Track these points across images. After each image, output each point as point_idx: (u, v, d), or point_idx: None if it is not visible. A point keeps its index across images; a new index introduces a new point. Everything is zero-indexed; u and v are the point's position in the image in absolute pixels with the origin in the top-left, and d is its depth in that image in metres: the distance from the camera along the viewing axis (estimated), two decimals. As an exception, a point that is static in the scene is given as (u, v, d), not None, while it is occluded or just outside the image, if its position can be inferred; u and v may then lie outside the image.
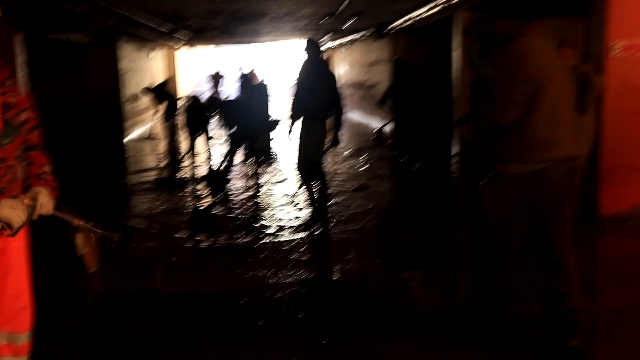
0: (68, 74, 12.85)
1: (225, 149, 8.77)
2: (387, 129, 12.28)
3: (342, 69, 20.84)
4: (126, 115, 13.92)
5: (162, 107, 13.42)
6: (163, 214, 6.66)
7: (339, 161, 9.88)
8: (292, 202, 6.93)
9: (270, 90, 11.74)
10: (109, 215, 6.60)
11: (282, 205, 6.91)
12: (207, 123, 9.07)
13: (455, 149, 9.73)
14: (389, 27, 12.77)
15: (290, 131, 6.18)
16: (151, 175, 9.35)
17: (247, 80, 14.25)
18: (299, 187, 6.19)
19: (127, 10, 8.88)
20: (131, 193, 8.14)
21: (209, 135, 9.19)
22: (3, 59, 2.23)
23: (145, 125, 15.75)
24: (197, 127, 8.90)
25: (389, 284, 4.30)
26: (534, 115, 3.01)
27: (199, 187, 8.26)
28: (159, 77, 19.70)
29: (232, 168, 8.71)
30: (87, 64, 12.93)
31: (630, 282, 4.14)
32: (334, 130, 6.20)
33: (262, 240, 5.54)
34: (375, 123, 13.95)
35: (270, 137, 10.70)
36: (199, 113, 8.84)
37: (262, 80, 11.36)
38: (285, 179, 8.43)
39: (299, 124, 6.05)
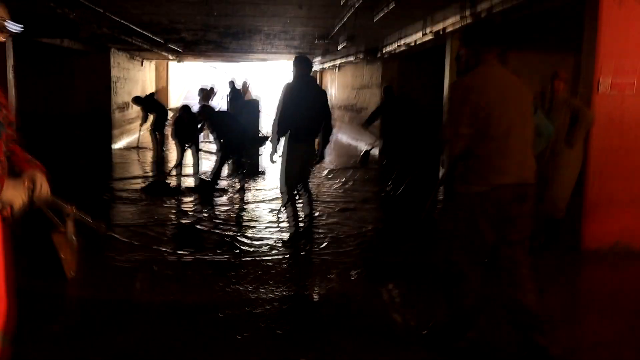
0: (59, 79, 12.81)
1: (213, 161, 8.76)
2: (374, 151, 12.35)
3: (334, 90, 20.98)
4: (115, 123, 13.86)
5: (151, 118, 13.41)
6: (146, 224, 6.59)
7: (324, 182, 9.89)
8: (277, 219, 6.91)
9: (262, 106, 11.78)
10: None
11: (266, 221, 6.89)
12: (197, 134, 9.05)
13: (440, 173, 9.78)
14: (382, 52, 12.91)
15: (273, 151, 5.92)
16: (137, 185, 9.29)
17: (238, 95, 14.31)
18: (283, 206, 6.12)
19: (121, 18, 8.88)
20: (114, 202, 8.06)
21: (198, 147, 9.16)
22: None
23: (134, 134, 15.68)
24: (187, 138, 8.87)
25: (369, 303, 4.30)
26: (485, 144, 3.11)
27: (185, 199, 8.22)
28: (150, 87, 19.70)
29: (219, 181, 8.68)
30: (78, 70, 12.90)
31: (611, 316, 4.15)
32: (321, 146, 6.14)
33: (245, 255, 5.51)
34: (363, 145, 14.02)
35: (260, 153, 10.72)
36: (189, 124, 8.81)
37: (255, 97, 11.42)
38: (271, 196, 8.41)
39: (282, 143, 5.90)
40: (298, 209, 6.07)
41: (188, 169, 9.42)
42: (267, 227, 6.59)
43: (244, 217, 7.29)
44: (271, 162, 6.17)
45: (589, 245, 5.51)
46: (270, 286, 4.60)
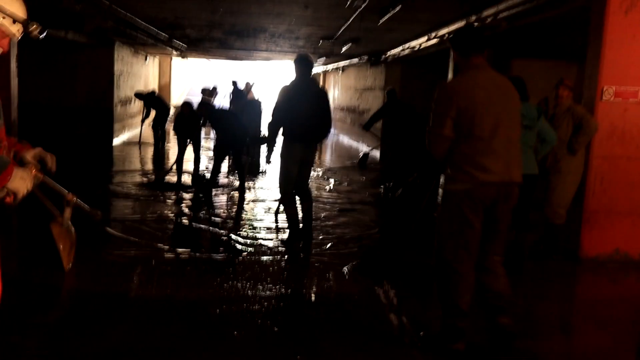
0: (62, 72, 12.78)
1: (212, 158, 8.75)
2: (373, 153, 12.35)
3: (337, 92, 20.99)
4: (117, 117, 13.84)
5: (152, 114, 13.40)
6: (144, 220, 6.57)
7: (323, 183, 9.88)
8: (275, 218, 6.89)
9: (264, 107, 11.79)
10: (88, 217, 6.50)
11: (265, 220, 6.88)
12: (198, 131, 9.03)
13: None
14: (386, 55, 12.91)
15: (269, 152, 5.88)
16: (136, 180, 9.28)
17: (240, 94, 14.31)
18: (281, 205, 6.10)
19: (127, 12, 8.87)
20: (113, 197, 8.05)
21: (199, 144, 9.14)
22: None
23: (135, 129, 15.67)
24: (188, 134, 8.85)
25: (365, 303, 4.29)
26: (471, 143, 3.20)
27: (183, 195, 8.20)
28: (153, 83, 19.70)
29: (218, 179, 8.67)
30: (82, 62, 12.87)
31: (607, 325, 4.14)
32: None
33: (242, 253, 5.49)
34: (365, 147, 14.02)
35: (260, 153, 10.73)
36: (190, 119, 8.80)
37: (257, 97, 11.43)
38: (270, 195, 8.40)
39: (279, 143, 5.87)
40: (297, 209, 6.05)
41: (187, 165, 9.40)
42: (265, 226, 6.57)
43: (242, 215, 7.28)
44: (267, 162, 6.15)
45: (588, 252, 5.50)
46: (268, 284, 4.59)
